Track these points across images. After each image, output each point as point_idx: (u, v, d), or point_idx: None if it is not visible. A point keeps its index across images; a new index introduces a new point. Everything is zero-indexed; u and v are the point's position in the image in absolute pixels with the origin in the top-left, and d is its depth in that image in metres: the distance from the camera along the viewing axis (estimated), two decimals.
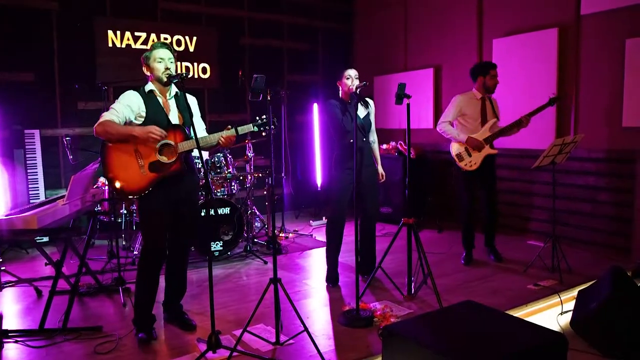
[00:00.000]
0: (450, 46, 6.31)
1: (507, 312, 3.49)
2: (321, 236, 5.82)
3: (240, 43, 6.91)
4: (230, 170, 5.15)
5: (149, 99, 3.04)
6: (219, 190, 5.32)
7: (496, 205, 4.67)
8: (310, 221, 6.55)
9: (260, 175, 5.42)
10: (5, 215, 2.96)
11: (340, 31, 7.82)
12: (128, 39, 6.01)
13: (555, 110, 5.13)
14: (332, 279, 4.09)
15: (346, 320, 3.28)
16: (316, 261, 4.87)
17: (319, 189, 7.00)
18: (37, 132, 5.43)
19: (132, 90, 3.06)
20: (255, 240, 5.49)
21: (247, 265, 4.75)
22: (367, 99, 4.21)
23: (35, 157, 5.43)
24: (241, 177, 5.22)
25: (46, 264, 3.51)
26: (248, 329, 3.06)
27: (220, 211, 4.86)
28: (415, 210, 6.30)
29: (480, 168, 4.45)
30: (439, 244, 5.35)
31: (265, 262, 4.78)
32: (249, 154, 5.45)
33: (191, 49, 6.45)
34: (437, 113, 6.62)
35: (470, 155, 4.46)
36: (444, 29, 6.39)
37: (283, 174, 6.21)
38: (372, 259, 4.24)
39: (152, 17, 6.23)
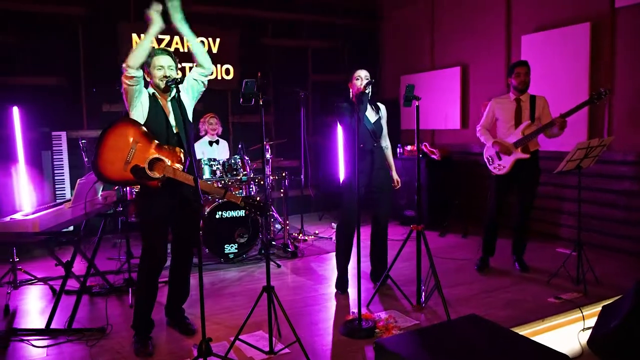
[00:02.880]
0: (478, 44, 6.06)
1: (522, 326, 3.31)
2: None
3: (263, 43, 6.89)
4: (247, 172, 5.13)
5: (152, 101, 3.06)
6: (236, 193, 5.31)
7: (528, 214, 4.39)
8: (332, 223, 6.45)
9: (276, 177, 5.37)
10: (9, 218, 3.02)
11: (365, 29, 7.68)
12: (152, 42, 6.07)
13: (588, 111, 4.82)
14: (341, 285, 3.99)
15: (347, 330, 3.17)
16: (331, 266, 4.76)
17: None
18: (63, 134, 5.59)
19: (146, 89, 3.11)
20: (273, 243, 5.46)
21: (260, 268, 4.70)
22: (378, 103, 4.08)
23: (62, 158, 5.59)
24: (257, 179, 5.18)
25: (56, 265, 3.56)
26: (245, 336, 3.02)
27: (235, 214, 4.85)
28: (439, 214, 6.10)
29: (514, 173, 4.22)
30: (462, 250, 5.14)
31: (279, 266, 4.72)
32: (268, 156, 5.42)
33: (214, 50, 6.47)
34: (464, 113, 6.39)
35: (500, 159, 4.26)
36: (472, 26, 6.14)
37: (302, 176, 6.14)
38: (383, 265, 4.10)
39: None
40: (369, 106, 3.98)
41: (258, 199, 2.96)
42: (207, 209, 4.76)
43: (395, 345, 2.42)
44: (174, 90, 3.12)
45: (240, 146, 5.40)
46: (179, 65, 6.19)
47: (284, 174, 5.29)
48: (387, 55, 7.70)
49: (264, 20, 6.89)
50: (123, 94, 2.99)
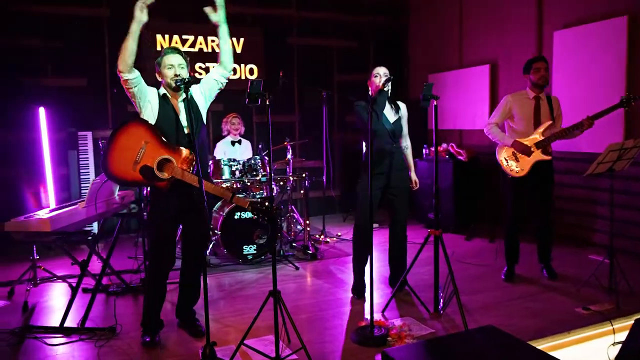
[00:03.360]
0: (508, 40, 5.83)
1: (546, 338, 3.13)
2: None
3: (287, 43, 6.84)
4: (267, 172, 5.07)
5: (162, 101, 3.05)
6: (257, 193, 5.28)
7: (549, 217, 4.18)
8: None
9: (296, 178, 5.30)
10: (25, 217, 3.05)
11: (392, 28, 7.52)
12: (176, 42, 6.14)
13: (624, 110, 4.54)
14: (357, 289, 3.88)
15: (358, 337, 3.07)
16: (351, 269, 4.60)
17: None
18: (89, 134, 5.67)
19: (154, 88, 3.10)
20: (294, 244, 5.40)
21: (278, 270, 4.60)
22: (399, 102, 3.95)
23: (88, 157, 5.68)
24: (276, 180, 5.12)
25: (72, 264, 3.60)
26: (253, 341, 2.96)
27: (254, 215, 4.79)
28: (466, 217, 5.90)
29: (532, 175, 4.02)
30: (488, 255, 4.94)
31: (297, 268, 4.65)
32: (289, 156, 5.36)
33: (238, 50, 6.46)
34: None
35: (517, 161, 4.05)
36: (501, 22, 5.91)
37: (324, 177, 6.04)
38: (402, 269, 3.97)
39: (199, 19, 6.30)
40: (388, 105, 3.86)
41: (267, 203, 2.89)
42: (227, 209, 4.73)
43: (403, 355, 2.30)
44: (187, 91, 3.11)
45: (260, 146, 5.36)
46: (204, 65, 6.31)
47: (304, 175, 5.21)
48: (414, 53, 7.52)
49: (288, 20, 6.84)
50: (130, 98, 2.99)
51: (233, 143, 5.65)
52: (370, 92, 3.89)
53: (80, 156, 5.63)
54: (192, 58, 6.18)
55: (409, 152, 3.99)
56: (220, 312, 3.62)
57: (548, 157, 4.01)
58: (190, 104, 3.08)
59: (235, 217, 4.73)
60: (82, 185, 5.63)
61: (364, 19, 7.29)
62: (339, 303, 3.78)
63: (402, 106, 3.94)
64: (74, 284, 4.00)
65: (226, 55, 3.20)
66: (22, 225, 2.95)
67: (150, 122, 2.97)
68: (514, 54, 5.73)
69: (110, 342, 3.10)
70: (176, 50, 3.07)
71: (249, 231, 4.77)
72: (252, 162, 5.02)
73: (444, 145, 6.18)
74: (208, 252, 4.84)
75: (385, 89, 3.69)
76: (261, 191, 5.31)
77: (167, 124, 3.00)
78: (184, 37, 6.16)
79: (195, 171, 2.93)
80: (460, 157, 5.91)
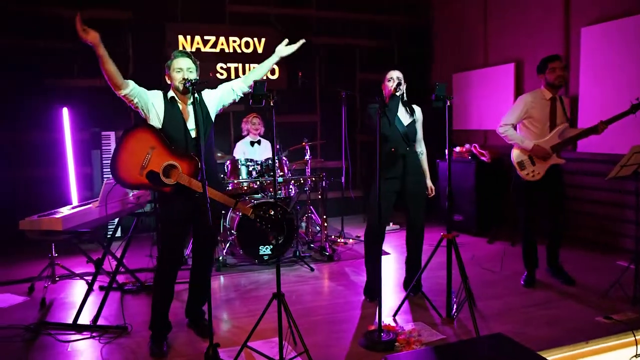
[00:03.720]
0: (533, 38, 5.65)
1: (562, 348, 3.00)
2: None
3: (308, 42, 6.80)
4: (285, 173, 5.06)
5: (170, 104, 3.05)
6: (277, 193, 5.27)
7: (561, 219, 4.05)
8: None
9: (313, 179, 5.27)
10: (38, 215, 3.12)
11: (416, 27, 7.41)
12: (198, 43, 6.20)
13: None
14: (369, 292, 3.83)
15: (366, 341, 3.01)
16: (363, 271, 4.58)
17: None
18: (112, 134, 5.79)
19: (159, 91, 3.09)
20: (311, 245, 5.37)
21: (293, 271, 4.63)
22: (414, 105, 3.86)
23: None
24: (293, 181, 5.10)
25: (87, 262, 3.67)
26: (260, 343, 2.96)
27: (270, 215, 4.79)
28: (488, 219, 5.76)
29: (544, 178, 3.90)
30: (509, 259, 4.78)
31: (312, 270, 4.62)
32: (307, 157, 5.34)
33: (259, 50, 6.48)
34: None
35: (534, 164, 3.92)
36: (526, 18, 5.74)
37: (343, 178, 6.00)
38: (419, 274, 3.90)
39: (220, 20, 6.36)
40: (402, 108, 3.80)
41: (272, 212, 2.88)
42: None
43: None
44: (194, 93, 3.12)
45: (278, 147, 5.35)
46: (225, 65, 6.35)
47: (321, 175, 5.18)
48: (438, 53, 7.39)
49: (310, 19, 6.82)
50: (134, 109, 3.03)
51: (252, 143, 5.66)
52: (384, 96, 3.83)
53: (104, 155, 5.75)
54: (213, 58, 6.30)
55: (424, 158, 3.91)
56: (232, 313, 3.64)
57: (562, 161, 3.89)
58: (200, 107, 3.10)
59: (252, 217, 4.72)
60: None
61: (388, 17, 7.20)
62: (351, 306, 3.73)
63: (417, 110, 3.86)
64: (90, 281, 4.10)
65: (255, 76, 3.30)
66: (34, 224, 3.02)
67: (157, 126, 2.99)
68: (540, 52, 5.49)
69: (120, 340, 3.15)
70: (185, 53, 3.07)
71: (266, 232, 4.76)
72: (270, 162, 5.01)
73: (467, 145, 6.04)
74: (225, 252, 4.87)
75: (398, 93, 3.62)
76: (280, 192, 5.30)
77: (174, 127, 3.00)
78: (205, 37, 6.22)
79: (200, 177, 2.94)
80: (483, 158, 5.76)
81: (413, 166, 3.77)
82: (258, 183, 4.93)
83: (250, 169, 4.95)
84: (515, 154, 4.01)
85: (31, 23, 5.59)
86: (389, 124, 3.62)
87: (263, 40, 6.50)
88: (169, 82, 3.10)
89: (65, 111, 5.06)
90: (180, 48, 6.12)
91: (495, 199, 5.77)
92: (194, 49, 6.16)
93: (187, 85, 2.90)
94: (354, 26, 7.05)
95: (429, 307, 3.61)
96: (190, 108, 3.09)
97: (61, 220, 3.00)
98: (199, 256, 3.25)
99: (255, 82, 2.82)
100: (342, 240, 5.65)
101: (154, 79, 5.94)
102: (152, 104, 3.03)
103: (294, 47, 3.31)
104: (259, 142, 5.69)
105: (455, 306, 3.42)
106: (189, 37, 6.15)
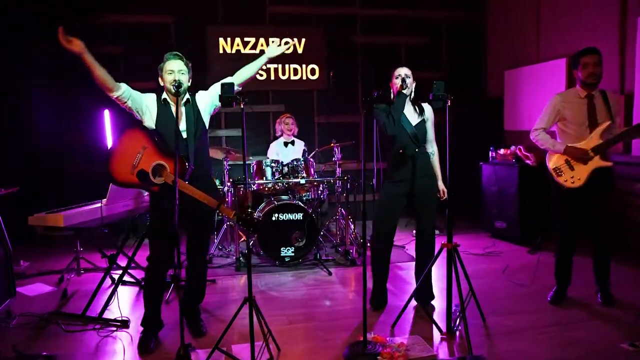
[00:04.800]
0: (587, 29, 5.12)
1: None
2: (413, 249, 5.30)
3: (351, 41, 6.70)
4: (311, 174, 5.00)
5: (163, 106, 3.11)
6: (303, 195, 5.24)
7: (606, 234, 3.61)
8: (414, 231, 6.00)
9: (339, 181, 5.16)
10: (46, 212, 3.31)
11: (466, 22, 7.02)
12: (238, 45, 6.31)
13: None
14: (374, 301, 3.66)
15: (349, 353, 2.87)
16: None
17: None
18: None
19: (153, 94, 3.16)
20: (339, 248, 5.26)
21: (311, 274, 4.55)
22: (424, 104, 3.64)
23: None
24: (315, 183, 5.02)
25: (102, 257, 3.84)
26: (242, 346, 2.92)
27: (292, 216, 4.77)
28: (532, 227, 5.31)
29: (589, 185, 3.49)
30: (545, 272, 4.35)
31: (330, 274, 4.51)
32: (335, 158, 5.24)
33: (300, 50, 6.47)
34: None
35: (572, 169, 3.53)
36: (580, 9, 5.22)
37: (373, 181, 5.80)
38: (429, 283, 3.68)
39: (261, 21, 6.43)
40: (411, 107, 3.61)
41: (256, 215, 2.83)
42: (265, 210, 4.74)
43: None
44: (186, 95, 3.17)
45: (304, 148, 5.30)
46: (265, 67, 6.37)
47: (346, 178, 5.06)
48: (491, 48, 6.95)
49: (352, 17, 6.69)
50: (128, 111, 3.10)
51: (286, 144, 5.65)
52: (392, 95, 3.66)
53: None
54: (252, 59, 6.35)
55: (435, 159, 3.68)
56: (245, 312, 3.62)
57: (609, 164, 3.46)
58: (192, 108, 3.13)
59: (273, 218, 4.73)
60: None
61: (436, 14, 6.90)
62: (355, 314, 3.58)
63: (427, 108, 3.63)
64: (114, 275, 4.30)
65: (243, 77, 3.24)
66: (41, 220, 3.21)
67: (151, 127, 3.06)
68: (594, 45, 5.02)
69: (118, 333, 3.25)
70: (178, 56, 3.11)
71: (288, 233, 4.73)
72: (295, 163, 4.98)
73: (512, 147, 5.62)
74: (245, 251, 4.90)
75: (405, 91, 3.43)
76: (307, 193, 5.26)
77: (165, 128, 3.04)
78: (245, 39, 6.31)
79: (187, 178, 2.97)
80: (528, 162, 5.32)
81: (423, 168, 3.56)
82: (282, 184, 4.92)
83: (274, 170, 4.95)
84: (551, 160, 3.65)
85: (80, 29, 5.97)
86: (393, 123, 3.44)
87: (303, 40, 6.47)
88: (161, 84, 3.15)
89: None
90: (221, 50, 6.27)
91: (542, 205, 5.31)
92: (234, 51, 6.28)
93: (175, 87, 2.93)
94: (399, 23, 6.83)
95: (435, 320, 3.39)
96: (182, 109, 3.13)
97: (63, 217, 3.16)
98: (191, 257, 3.28)
99: (223, 84, 2.79)
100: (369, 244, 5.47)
101: (196, 80, 6.14)
102: (146, 106, 3.10)
103: (282, 48, 3.23)
104: (292, 142, 5.67)
105: (458, 321, 3.17)
106: (229, 39, 6.27)
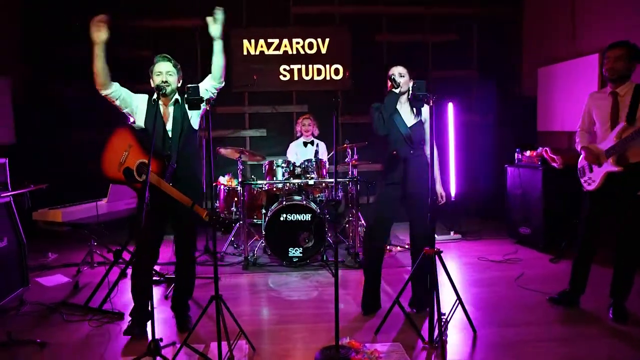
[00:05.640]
0: (626, 22, 4.75)
1: None
2: None
3: (376, 40, 6.60)
4: (323, 175, 4.97)
5: (152, 106, 3.21)
6: (317, 196, 5.23)
7: (628, 243, 3.34)
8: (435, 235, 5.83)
9: (348, 182, 5.09)
10: (49, 208, 3.50)
11: (500, 16, 6.70)
12: (261, 46, 6.38)
13: None
14: (365, 305, 3.58)
15: (321, 357, 2.84)
16: (391, 282, 4.29)
17: (452, 198, 6.17)
18: None
19: (145, 94, 3.27)
20: (350, 250, 5.20)
21: (316, 275, 4.53)
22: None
23: None
24: (323, 185, 4.97)
25: (108, 252, 4.01)
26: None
27: (300, 217, 4.76)
28: (557, 234, 5.01)
29: (606, 190, 3.30)
30: (565, 281, 4.08)
31: (334, 276, 4.46)
32: (348, 159, 5.17)
33: (323, 50, 6.45)
34: None
35: (591, 171, 3.39)
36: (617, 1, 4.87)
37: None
38: (423, 291, 3.55)
39: (284, 22, 6.46)
40: (407, 108, 3.49)
41: (223, 216, 2.88)
42: (273, 210, 4.77)
43: None
44: (175, 95, 3.25)
45: (316, 149, 5.27)
46: (289, 67, 6.43)
47: (355, 179, 4.98)
48: (526, 45, 6.61)
49: (377, 16, 6.58)
50: (119, 110, 3.21)
51: (305, 144, 5.66)
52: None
53: None
54: (277, 61, 6.43)
55: (435, 162, 3.54)
56: (236, 311, 3.66)
57: (617, 169, 3.22)
58: (180, 109, 3.21)
59: (281, 218, 4.74)
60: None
61: (466, 10, 6.65)
62: (344, 318, 3.51)
63: (425, 108, 3.50)
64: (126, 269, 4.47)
65: (217, 69, 3.24)
66: (43, 215, 3.40)
67: (141, 126, 3.16)
68: (635, 37, 4.65)
69: (110, 325, 3.39)
70: (166, 58, 3.20)
71: (295, 234, 4.73)
72: (306, 164, 4.97)
73: (539, 149, 5.31)
74: (256, 251, 4.95)
75: (395, 90, 3.33)
76: (322, 194, 5.24)
77: (152, 125, 3.13)
78: (269, 40, 6.37)
79: (168, 177, 3.04)
80: (554, 164, 4.98)
81: (416, 171, 3.43)
82: (294, 184, 4.93)
83: (284, 170, 4.96)
84: (579, 161, 3.53)
85: (114, 34, 6.25)
86: (383, 123, 3.35)
87: (327, 40, 6.44)
88: (152, 85, 3.25)
89: None
90: (245, 52, 6.37)
91: (567, 211, 4.98)
92: (257, 52, 6.36)
93: (161, 89, 3.03)
94: (426, 20, 6.64)
95: (424, 328, 3.27)
96: (170, 110, 3.22)
97: (61, 213, 3.34)
98: (178, 253, 3.36)
99: (188, 87, 2.83)
100: (388, 247, 5.37)
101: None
102: (136, 106, 3.21)
103: (218, 23, 3.16)
104: (312, 142, 5.67)
105: (444, 330, 3.04)
106: (253, 41, 6.36)
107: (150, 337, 2.63)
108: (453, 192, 6.13)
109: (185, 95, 2.85)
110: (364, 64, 6.50)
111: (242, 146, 6.38)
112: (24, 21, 6.19)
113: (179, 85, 3.29)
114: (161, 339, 2.76)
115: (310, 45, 6.44)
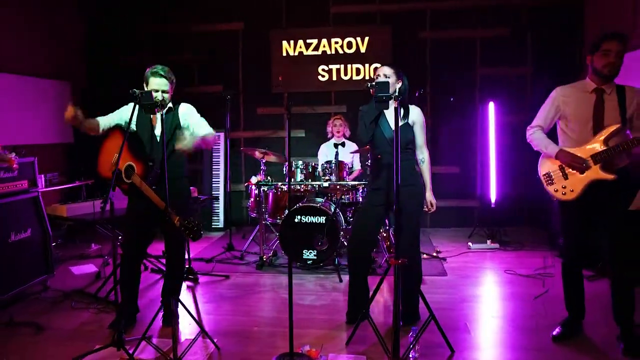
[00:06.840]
0: None
1: None
2: (454, 262, 4.86)
3: (419, 38, 6.32)
4: (344, 177, 4.88)
5: (141, 112, 3.35)
6: (340, 198, 5.15)
7: (620, 257, 2.91)
8: (469, 243, 5.48)
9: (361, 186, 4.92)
10: (60, 203, 3.81)
11: (558, 9, 6.09)
12: (300, 47, 6.40)
13: None
14: (349, 315, 3.46)
15: None
16: (392, 290, 4.08)
17: (492, 205, 5.74)
18: (222, 134, 6.44)
19: (131, 103, 3.44)
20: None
21: (324, 279, 4.46)
22: (410, 106, 3.30)
23: (219, 155, 6.48)
24: (338, 187, 4.86)
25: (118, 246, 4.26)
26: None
27: (314, 219, 4.72)
28: (601, 248, 4.45)
29: (590, 200, 2.91)
30: (596, 304, 3.60)
31: (341, 281, 4.37)
32: (369, 162, 5.03)
33: (362, 50, 6.32)
34: None
35: (565, 178, 2.96)
36: None
37: None
38: (411, 303, 3.36)
39: (324, 22, 6.42)
40: (392, 110, 3.30)
41: (196, 222, 2.96)
42: (287, 212, 4.77)
43: None
44: (169, 104, 3.38)
45: (337, 150, 5.17)
46: (327, 67, 6.38)
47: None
48: (588, 38, 5.96)
49: (420, 12, 6.30)
50: None
51: (336, 145, 5.59)
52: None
53: (213, 154, 6.46)
54: (314, 61, 6.42)
55: (425, 167, 3.33)
56: (233, 308, 3.78)
57: (610, 176, 2.82)
58: (173, 117, 3.33)
59: (296, 220, 4.73)
60: (213, 180, 6.47)
61: (518, 1, 6.15)
62: (328, 325, 3.43)
63: (414, 111, 3.28)
64: (148, 265, 4.73)
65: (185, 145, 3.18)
66: (53, 210, 3.70)
67: (133, 129, 3.34)
68: None
69: (105, 315, 3.60)
70: (158, 74, 3.27)
71: (310, 236, 4.70)
72: (325, 165, 4.90)
73: None
74: (271, 252, 4.99)
75: (378, 93, 3.15)
76: (346, 196, 5.14)
77: (143, 133, 3.32)
78: (307, 41, 6.37)
79: (150, 180, 3.17)
80: None
81: (403, 176, 3.22)
82: (313, 186, 4.90)
83: (303, 172, 4.94)
84: (544, 165, 3.11)
85: (159, 40, 6.65)
86: (364, 127, 3.21)
87: (367, 38, 6.30)
88: (146, 89, 3.38)
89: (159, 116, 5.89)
90: (284, 53, 6.43)
91: None
92: (296, 53, 6.39)
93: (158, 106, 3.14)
94: (474, 15, 6.23)
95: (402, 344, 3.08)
96: (158, 115, 3.33)
97: (66, 208, 3.61)
98: (168, 251, 3.48)
99: (141, 92, 2.91)
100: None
101: (260, 83, 6.41)
102: (126, 115, 3.37)
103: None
104: (342, 144, 5.59)
105: (412, 347, 2.86)
106: (292, 42, 6.40)
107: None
108: (493, 198, 5.71)
109: (140, 101, 2.93)
110: (405, 63, 6.24)
111: (282, 147, 6.44)
112: (89, 28, 6.74)
113: (171, 92, 3.39)
114: (123, 332, 2.88)
115: (350, 45, 6.35)
